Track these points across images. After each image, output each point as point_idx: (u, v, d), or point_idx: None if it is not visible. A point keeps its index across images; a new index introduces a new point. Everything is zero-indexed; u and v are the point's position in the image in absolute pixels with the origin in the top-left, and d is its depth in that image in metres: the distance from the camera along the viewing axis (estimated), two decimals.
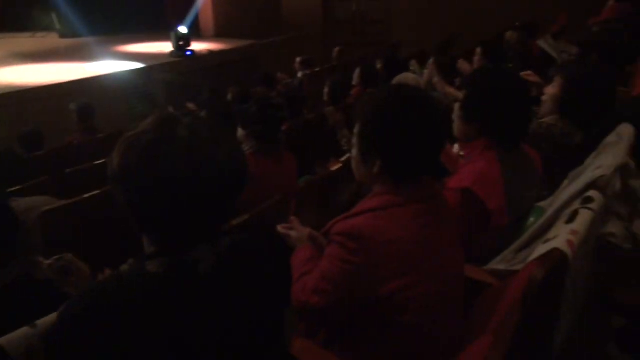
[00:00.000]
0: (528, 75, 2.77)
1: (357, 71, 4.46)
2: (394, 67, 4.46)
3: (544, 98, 2.10)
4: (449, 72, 3.48)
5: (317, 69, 7.06)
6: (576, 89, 1.96)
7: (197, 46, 8.96)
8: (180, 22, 9.19)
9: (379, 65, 4.76)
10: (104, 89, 6.73)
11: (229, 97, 5.05)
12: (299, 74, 6.80)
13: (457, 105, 1.72)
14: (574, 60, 2.42)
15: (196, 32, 10.58)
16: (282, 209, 2.15)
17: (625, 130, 1.75)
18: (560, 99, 2.00)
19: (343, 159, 2.62)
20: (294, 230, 1.50)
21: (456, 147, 2.21)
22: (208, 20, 10.90)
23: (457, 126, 1.71)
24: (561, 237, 1.13)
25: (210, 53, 8.95)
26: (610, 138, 1.76)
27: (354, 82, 4.49)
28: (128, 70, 7.38)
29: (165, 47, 8.72)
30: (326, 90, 4.31)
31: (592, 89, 1.95)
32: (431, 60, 3.45)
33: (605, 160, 1.56)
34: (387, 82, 3.95)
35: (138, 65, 7.64)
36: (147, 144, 0.81)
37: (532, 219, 1.77)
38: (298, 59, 7.01)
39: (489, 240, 1.64)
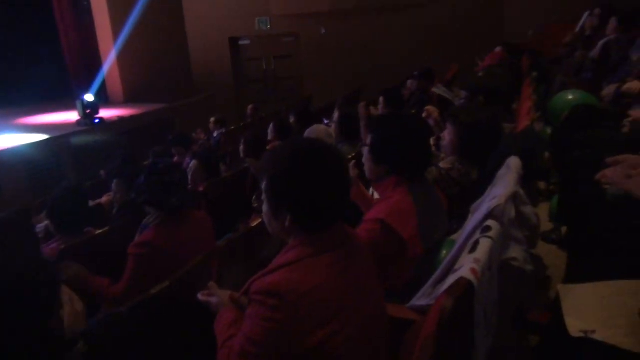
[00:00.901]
0: (432, 110, 3.02)
1: (271, 126, 4.56)
2: (306, 120, 4.61)
3: (443, 143, 2.32)
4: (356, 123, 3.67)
5: (232, 127, 7.12)
6: (467, 134, 2.22)
7: (106, 113, 8.73)
8: (86, 89, 8.96)
9: (292, 119, 4.91)
10: (3, 163, 6.31)
11: (150, 159, 4.93)
12: (215, 134, 6.82)
13: (366, 149, 1.88)
14: (464, 106, 2.67)
15: (105, 99, 10.35)
16: (203, 272, 2.10)
17: (514, 162, 1.94)
18: (455, 143, 2.23)
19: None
20: (214, 295, 1.47)
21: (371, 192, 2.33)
22: (116, 86, 10.71)
23: (368, 168, 1.87)
24: (466, 267, 1.21)
25: (120, 119, 8.75)
26: (502, 171, 1.95)
27: (270, 137, 4.57)
28: (30, 143, 6.98)
29: (71, 116, 8.42)
30: (242, 147, 4.35)
31: (480, 131, 2.22)
32: (336, 113, 3.64)
33: (499, 191, 1.70)
34: (300, 134, 4.07)
35: (42, 136, 7.27)
36: None
37: (444, 252, 1.90)
38: (212, 119, 7.04)
39: (406, 272, 1.73)
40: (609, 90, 3.11)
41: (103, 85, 10.62)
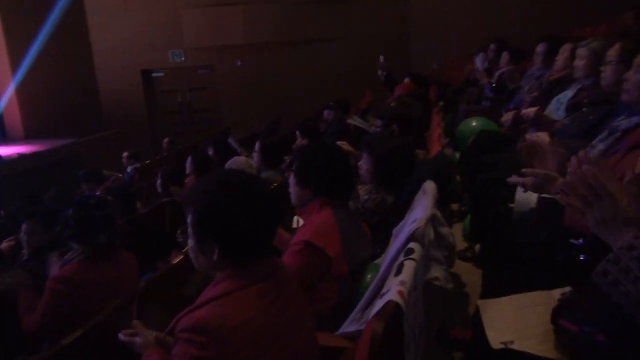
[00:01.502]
0: (343, 144, 3.11)
1: (189, 159, 4.46)
2: (226, 152, 4.56)
3: (361, 172, 2.42)
4: (277, 152, 3.70)
5: (147, 162, 6.86)
6: (383, 162, 2.34)
7: (4, 150, 8.06)
8: None
9: (210, 152, 4.83)
10: None
11: (46, 200, 4.59)
12: (129, 169, 6.53)
13: (291, 175, 1.97)
14: (379, 135, 2.80)
15: (3, 136, 9.57)
16: (122, 315, 1.98)
17: (429, 186, 2.05)
18: (372, 171, 2.33)
19: (185, 249, 2.54)
20: (139, 335, 1.39)
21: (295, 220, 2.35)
22: (15, 122, 9.93)
23: (293, 193, 1.95)
24: (393, 289, 1.24)
25: (21, 156, 8.11)
26: (419, 195, 2.05)
27: (188, 171, 4.46)
28: None
29: None
30: (159, 181, 4.20)
31: (395, 159, 2.35)
32: (257, 144, 3.65)
33: (418, 214, 1.78)
34: (219, 167, 4.01)
35: None
36: None
37: (369, 276, 1.94)
38: (125, 154, 6.76)
39: (332, 294, 1.75)
40: (507, 117, 3.39)
41: (0, 120, 9.81)
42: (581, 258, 1.47)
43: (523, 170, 1.56)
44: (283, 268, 1.35)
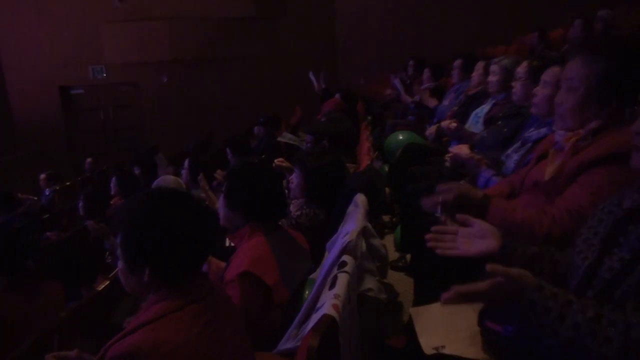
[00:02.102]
0: (280, 162, 3.11)
1: (114, 179, 4.27)
2: (152, 171, 4.42)
3: (291, 186, 2.42)
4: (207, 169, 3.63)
5: (68, 183, 6.48)
6: (314, 176, 2.35)
7: None
8: None
9: (136, 171, 4.66)
10: None
11: None
12: (47, 191, 6.13)
13: (221, 197, 1.89)
14: (310, 150, 2.83)
15: None
16: (42, 349, 1.84)
17: (360, 199, 2.09)
18: (303, 186, 2.34)
19: (111, 274, 2.42)
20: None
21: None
22: None
23: (223, 214, 1.87)
24: (327, 303, 1.25)
25: None
26: (350, 207, 2.08)
27: (113, 192, 4.27)
28: None
29: None
30: (81, 204, 3.98)
31: (326, 173, 2.37)
32: (186, 162, 3.57)
33: (350, 227, 1.82)
34: (147, 187, 3.87)
35: None
36: None
37: (307, 292, 1.94)
38: (42, 175, 6.34)
39: (275, 320, 1.72)
40: (430, 130, 3.56)
41: None
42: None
43: (437, 188, 1.59)
44: (218, 288, 1.32)
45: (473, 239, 1.26)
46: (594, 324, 0.86)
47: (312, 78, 6.24)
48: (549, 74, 1.96)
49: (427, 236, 1.22)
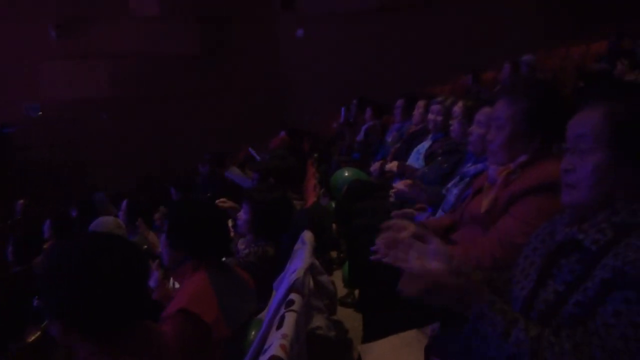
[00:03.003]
0: (223, 202, 3.07)
1: (48, 222, 4.05)
2: (91, 213, 4.23)
3: (239, 222, 2.39)
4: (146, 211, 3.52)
5: None
6: (261, 212, 2.35)
7: None
8: None
9: (74, 213, 4.45)
10: None
11: None
12: None
13: (163, 236, 1.84)
14: (257, 187, 2.82)
15: None
16: None
17: (307, 235, 2.09)
18: (251, 221, 2.33)
19: (42, 324, 2.25)
20: None
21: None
22: None
23: (165, 254, 1.83)
24: (275, 344, 1.22)
25: None
26: (297, 245, 2.07)
27: (47, 235, 4.04)
28: None
29: None
30: (10, 249, 3.74)
31: (273, 209, 2.37)
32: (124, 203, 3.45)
33: (297, 264, 1.80)
34: (84, 230, 3.69)
35: None
36: None
37: (253, 333, 1.89)
38: None
39: (215, 358, 1.66)
40: (375, 167, 3.65)
41: None
42: None
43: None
44: (158, 334, 1.26)
45: (426, 256, 1.26)
46: (535, 344, 0.91)
47: (253, 153, 6.04)
48: (481, 115, 2.08)
49: (377, 241, 1.16)
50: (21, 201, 7.49)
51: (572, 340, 0.91)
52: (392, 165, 3.18)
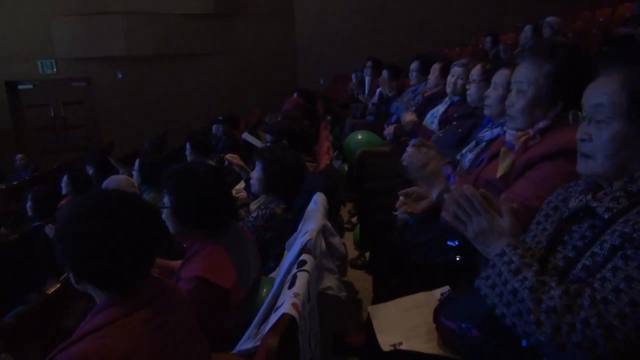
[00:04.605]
0: (233, 157, 3.07)
1: (65, 179, 4.11)
2: (107, 170, 4.28)
3: (252, 181, 2.40)
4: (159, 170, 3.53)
5: (15, 182, 6.20)
6: (274, 170, 2.33)
7: None
8: None
9: (90, 170, 4.51)
10: None
11: None
12: None
13: (165, 210, 1.76)
14: (270, 147, 2.82)
15: None
16: None
17: (319, 198, 2.10)
18: (263, 180, 2.33)
19: (62, 277, 2.32)
20: None
21: None
22: None
23: (171, 226, 1.77)
24: (287, 302, 1.25)
25: None
26: (310, 206, 2.09)
27: (64, 192, 4.11)
28: None
29: None
30: (29, 204, 3.82)
31: (286, 168, 2.35)
32: (136, 162, 3.46)
33: (310, 226, 1.82)
34: (100, 187, 3.75)
35: None
36: None
37: (265, 290, 1.93)
38: None
39: (232, 319, 1.70)
40: (388, 130, 3.62)
41: None
42: (457, 259, 1.61)
43: (398, 192, 1.70)
44: (169, 286, 1.28)
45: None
46: (538, 284, 0.96)
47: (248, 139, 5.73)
48: (499, 77, 2.02)
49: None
50: (19, 155, 7.59)
51: (564, 287, 0.94)
52: (412, 117, 3.14)
